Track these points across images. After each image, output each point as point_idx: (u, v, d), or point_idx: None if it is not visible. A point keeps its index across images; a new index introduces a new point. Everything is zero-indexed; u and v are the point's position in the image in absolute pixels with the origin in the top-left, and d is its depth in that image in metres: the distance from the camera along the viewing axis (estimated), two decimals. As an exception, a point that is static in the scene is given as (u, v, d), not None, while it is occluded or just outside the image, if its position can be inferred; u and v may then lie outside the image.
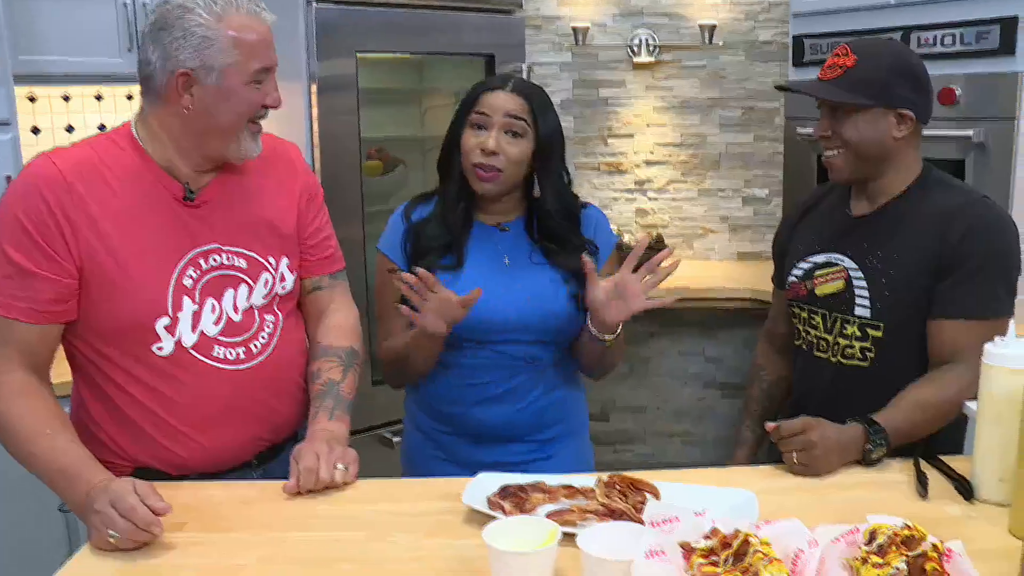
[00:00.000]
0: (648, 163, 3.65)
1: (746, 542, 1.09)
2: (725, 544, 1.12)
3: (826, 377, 1.75)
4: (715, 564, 1.10)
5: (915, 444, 1.57)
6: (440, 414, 1.84)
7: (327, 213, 1.79)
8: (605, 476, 1.42)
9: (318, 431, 1.57)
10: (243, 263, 1.59)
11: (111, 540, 1.27)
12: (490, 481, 1.43)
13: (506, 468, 1.55)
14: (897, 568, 1.07)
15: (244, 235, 1.60)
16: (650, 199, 3.67)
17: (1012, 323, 1.37)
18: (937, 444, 1.58)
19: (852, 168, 1.66)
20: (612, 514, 1.31)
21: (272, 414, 1.63)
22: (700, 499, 1.37)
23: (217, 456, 1.57)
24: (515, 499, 1.35)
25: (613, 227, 3.54)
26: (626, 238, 3.50)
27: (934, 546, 1.11)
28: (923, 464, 1.54)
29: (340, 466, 1.49)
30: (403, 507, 1.44)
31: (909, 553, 1.08)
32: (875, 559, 1.09)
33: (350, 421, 1.64)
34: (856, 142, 1.63)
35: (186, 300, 1.53)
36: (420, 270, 1.60)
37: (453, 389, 1.80)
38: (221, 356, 1.56)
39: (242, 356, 1.58)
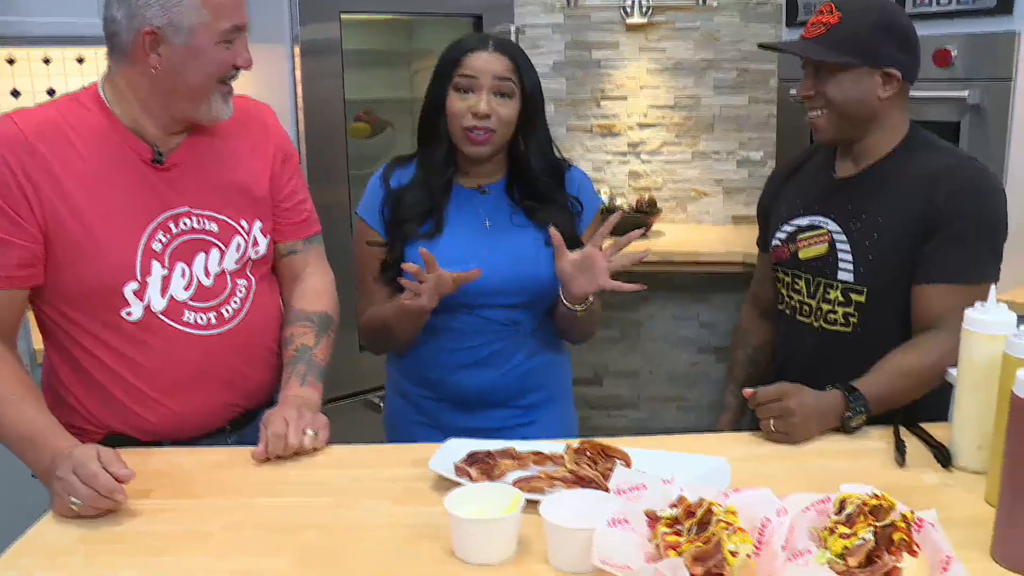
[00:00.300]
0: (641, 126, 3.59)
1: (709, 511, 1.06)
2: (689, 513, 1.09)
3: (809, 343, 1.71)
4: (679, 534, 1.08)
5: (896, 411, 1.54)
6: (422, 379, 1.81)
7: (303, 176, 1.74)
8: (576, 442, 1.39)
9: (289, 397, 1.54)
10: (214, 227, 1.55)
11: (73, 507, 1.25)
12: (459, 447, 1.40)
13: (488, 434, 1.53)
14: (864, 538, 1.04)
15: (215, 198, 1.56)
16: (643, 162, 3.61)
17: (993, 288, 1.32)
18: (920, 411, 1.54)
19: (836, 129, 1.61)
20: (580, 481, 1.29)
21: (245, 380, 1.60)
22: (672, 466, 1.34)
23: (188, 422, 1.54)
24: (482, 465, 1.33)
25: (606, 190, 3.51)
26: (619, 201, 3.45)
27: (903, 516, 1.08)
28: (903, 431, 1.50)
29: (310, 432, 1.46)
30: (373, 473, 1.41)
31: (877, 523, 1.05)
32: (842, 529, 1.07)
33: (323, 387, 1.61)
34: (840, 102, 1.58)
35: (155, 265, 1.49)
36: (422, 250, 1.57)
37: (434, 354, 1.77)
38: (191, 321, 1.52)
39: (213, 321, 1.55)
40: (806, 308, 1.71)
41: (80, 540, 1.23)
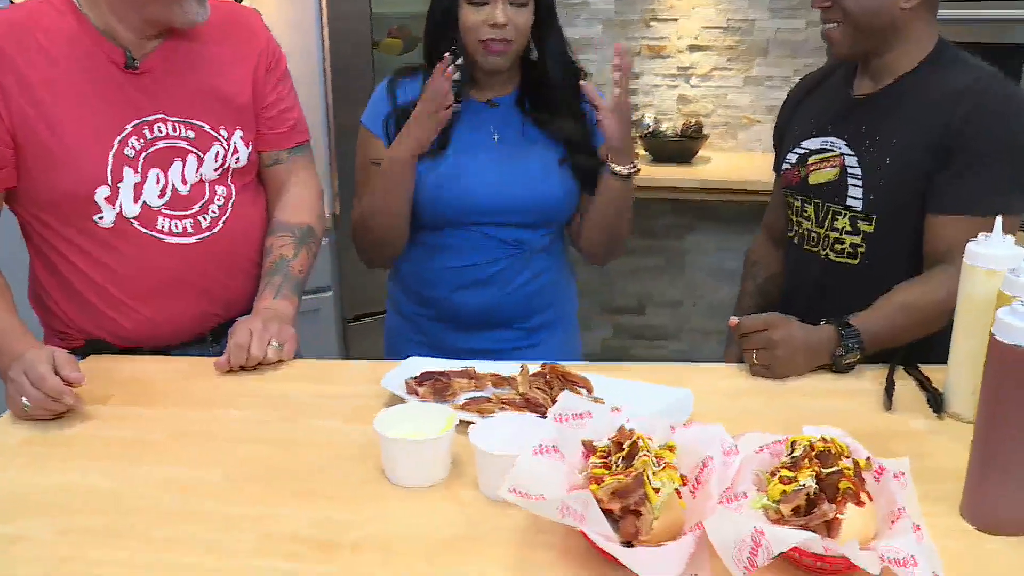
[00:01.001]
0: (692, 48, 3.37)
1: (636, 444, 0.97)
2: (618, 445, 1.00)
3: (814, 273, 1.57)
4: (608, 466, 0.98)
5: (896, 351, 1.40)
6: (422, 298, 1.74)
7: (291, 84, 1.66)
8: (537, 366, 1.30)
9: (260, 308, 1.49)
10: (191, 134, 1.49)
11: (24, 409, 1.23)
12: (419, 365, 1.33)
13: (489, 355, 1.46)
14: (804, 484, 0.92)
15: (192, 105, 1.49)
16: (693, 86, 3.41)
17: (999, 220, 1.16)
18: (926, 352, 1.40)
19: (852, 42, 1.44)
20: (529, 405, 1.20)
21: (225, 290, 1.55)
22: (634, 396, 1.25)
23: (164, 329, 1.51)
24: (434, 384, 1.25)
25: (652, 114, 3.34)
26: (664, 126, 3.27)
27: (855, 463, 0.96)
28: (900, 373, 1.37)
29: (274, 343, 1.41)
30: (333, 389, 1.36)
31: (822, 469, 0.94)
32: (785, 473, 0.96)
33: (299, 300, 1.55)
34: (856, 13, 1.40)
35: (127, 171, 1.44)
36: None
37: (436, 272, 1.69)
38: (166, 229, 1.48)
39: (189, 229, 1.49)
40: (813, 236, 1.56)
41: (24, 441, 1.21)
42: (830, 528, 0.92)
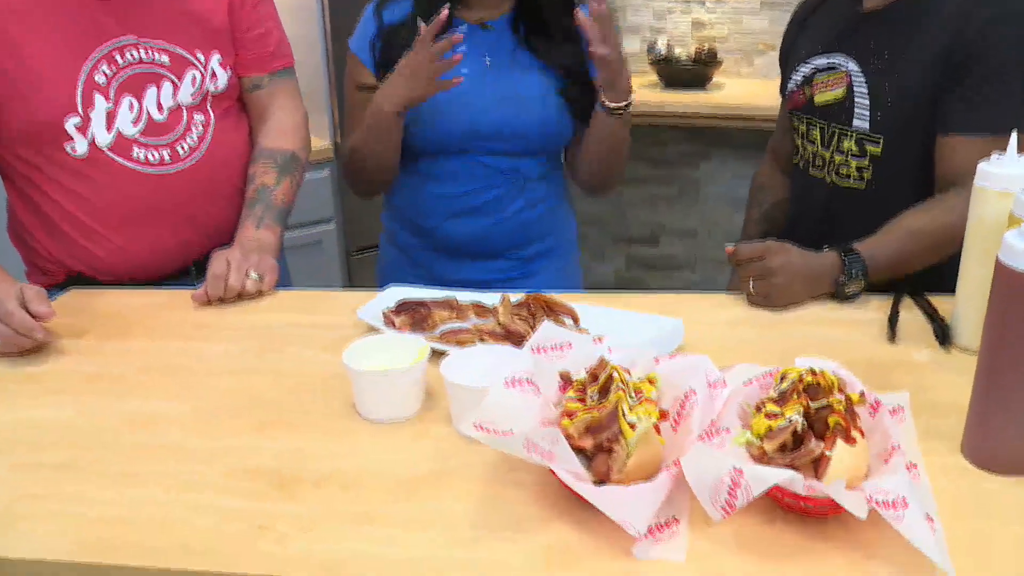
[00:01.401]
0: (708, -31, 3.21)
1: (610, 377, 0.90)
2: (593, 377, 0.93)
3: (819, 199, 1.47)
4: (584, 400, 0.92)
5: (903, 279, 1.31)
6: (415, 227, 1.66)
7: (271, 6, 1.57)
8: (521, 295, 1.23)
9: (240, 239, 1.43)
10: (165, 59, 1.41)
11: None
12: (398, 295, 1.26)
13: (484, 286, 1.41)
14: (790, 419, 0.85)
15: (166, 28, 1.41)
16: (708, 10, 3.24)
17: (1014, 136, 1.06)
18: (935, 281, 1.30)
19: (861, -54, 1.32)
20: (509, 336, 1.13)
21: (206, 219, 1.49)
22: (621, 326, 1.18)
23: (139, 259, 1.45)
24: (413, 315, 1.19)
25: (665, 40, 3.19)
26: (677, 51, 3.13)
27: (847, 397, 0.89)
28: (906, 303, 1.28)
29: (253, 274, 1.35)
30: (313, 319, 1.30)
31: (811, 404, 0.87)
32: (771, 407, 0.88)
33: (282, 230, 1.49)
34: None
35: (98, 98, 1.36)
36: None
37: (428, 200, 1.61)
38: (141, 158, 1.41)
39: (167, 159, 1.42)
40: (819, 160, 1.46)
41: (-8, 375, 1.17)
42: (817, 467, 0.85)
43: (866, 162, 1.38)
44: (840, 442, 0.84)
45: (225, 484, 0.93)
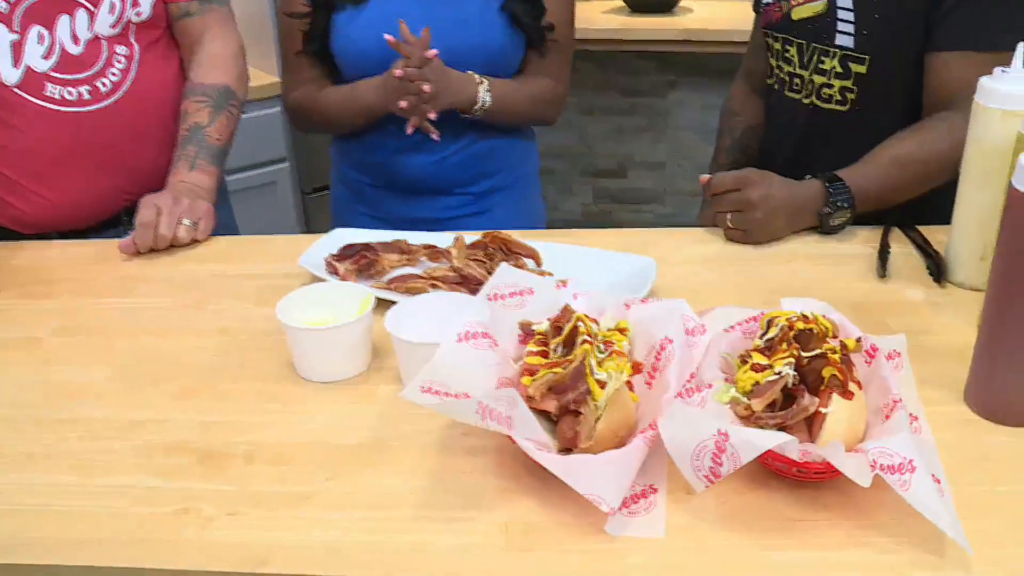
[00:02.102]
0: None
1: (576, 327, 0.78)
2: (557, 328, 0.81)
3: (798, 124, 1.34)
4: (546, 354, 0.80)
5: (892, 210, 1.19)
6: (362, 164, 1.53)
7: (198, -81, 1.38)
8: (476, 235, 1.10)
9: (172, 183, 1.27)
10: (76, -20, 1.24)
11: None
12: (343, 239, 1.12)
13: (436, 224, 1.28)
14: (780, 373, 0.74)
15: (75, -56, 1.23)
16: (675, -72, 3.05)
17: (1021, 48, 0.93)
18: (926, 212, 1.19)
19: None
20: (464, 282, 1.01)
21: (135, 162, 1.33)
22: (589, 266, 1.05)
23: (68, 210, 1.30)
24: (359, 260, 1.05)
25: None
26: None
27: (843, 345, 0.78)
28: (896, 235, 1.17)
29: (186, 221, 1.21)
30: (250, 269, 1.16)
31: (803, 353, 0.75)
32: (758, 358, 0.77)
33: (219, 171, 1.33)
34: None
35: (0, 28, 1.19)
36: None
37: (373, 135, 1.47)
38: (57, 96, 1.24)
39: (86, 96, 1.26)
40: (797, 82, 1.33)
41: None
42: (811, 426, 0.74)
43: (850, 83, 1.25)
44: (836, 397, 0.73)
45: (144, 462, 0.80)
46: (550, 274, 1.03)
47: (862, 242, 1.17)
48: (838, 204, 1.14)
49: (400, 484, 0.76)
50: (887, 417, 0.74)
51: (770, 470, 0.74)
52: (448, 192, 1.50)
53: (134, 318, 1.05)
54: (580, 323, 0.77)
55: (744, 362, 0.78)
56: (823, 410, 0.72)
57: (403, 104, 1.30)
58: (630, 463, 0.71)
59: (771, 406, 0.74)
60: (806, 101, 1.31)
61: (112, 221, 1.35)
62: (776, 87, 1.37)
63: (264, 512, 0.73)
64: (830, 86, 1.27)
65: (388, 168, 1.49)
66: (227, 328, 1.01)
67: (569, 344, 0.78)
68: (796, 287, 1.05)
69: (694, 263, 1.14)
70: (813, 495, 0.72)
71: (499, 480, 0.75)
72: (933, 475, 0.70)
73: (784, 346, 0.76)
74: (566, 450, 0.74)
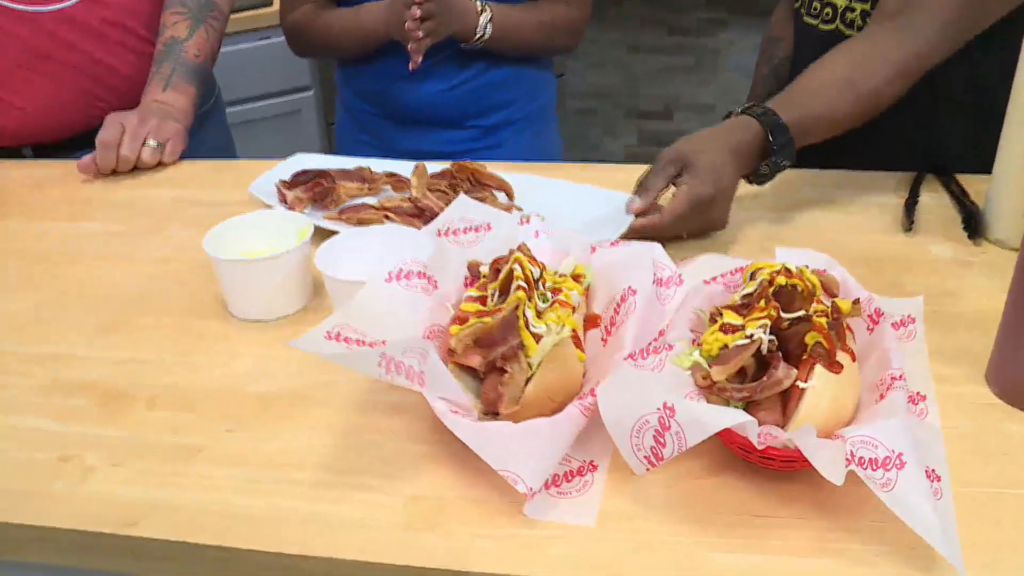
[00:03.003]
0: None
1: (511, 274, 0.64)
2: (495, 271, 0.68)
3: (822, 51, 1.16)
4: (484, 301, 0.67)
5: (928, 157, 1.01)
6: (363, 91, 1.39)
7: None
8: (442, 164, 0.96)
9: (144, 102, 1.16)
10: None
11: None
12: (301, 164, 1.00)
13: (442, 159, 1.13)
14: (752, 336, 0.60)
15: None
16: None
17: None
18: (972, 158, 1.00)
19: None
20: (420, 214, 0.88)
21: (108, 71, 1.21)
22: (570, 201, 0.91)
23: (39, 118, 1.19)
24: (312, 188, 0.93)
25: None
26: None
27: (836, 307, 0.63)
28: (931, 184, 1.00)
29: (151, 142, 1.10)
30: (207, 195, 1.05)
31: (784, 314, 0.60)
32: (730, 317, 0.63)
33: (196, 90, 1.21)
34: None
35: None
36: None
37: (375, 62, 1.34)
38: (13, -4, 1.13)
39: None
40: (816, 5, 1.14)
41: None
42: (787, 402, 0.60)
43: (868, 5, 1.06)
44: (820, 370, 0.58)
45: (41, 401, 0.71)
46: (518, 208, 0.89)
47: (891, 190, 1.00)
48: (779, 164, 0.93)
49: (305, 442, 0.64)
50: (882, 397, 0.60)
51: (727, 444, 0.61)
52: (456, 124, 1.36)
53: (78, 244, 0.95)
54: (517, 266, 0.64)
55: (714, 321, 0.64)
56: (801, 384, 0.58)
57: (411, 26, 1.15)
58: (559, 435, 0.58)
59: (740, 375, 0.60)
60: (830, 26, 1.13)
61: (90, 137, 1.24)
62: (802, 11, 1.19)
63: (148, 465, 0.63)
64: (852, 9, 1.08)
65: (392, 97, 1.35)
66: (167, 258, 0.91)
67: (506, 291, 0.65)
68: (803, 236, 0.90)
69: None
70: (783, 487, 0.59)
71: (415, 444, 0.64)
72: (929, 471, 0.56)
73: (762, 304, 0.62)
74: (492, 415, 0.61)
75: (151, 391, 0.71)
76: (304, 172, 0.94)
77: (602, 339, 0.68)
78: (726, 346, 0.60)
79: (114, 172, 1.09)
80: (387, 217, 0.87)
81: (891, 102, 0.93)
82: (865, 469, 0.52)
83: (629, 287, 0.68)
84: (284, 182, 0.93)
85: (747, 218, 0.94)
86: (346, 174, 0.94)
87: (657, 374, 0.60)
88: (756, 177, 0.91)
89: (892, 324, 0.68)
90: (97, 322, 0.80)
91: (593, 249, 0.74)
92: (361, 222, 0.86)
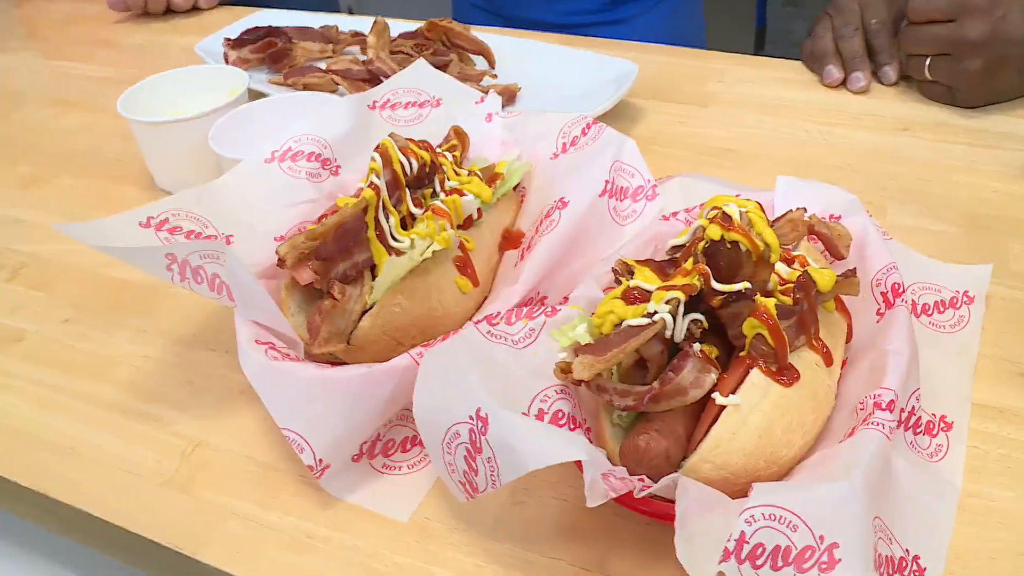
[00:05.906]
0: None
1: (434, 164, 0.45)
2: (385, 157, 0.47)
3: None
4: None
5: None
6: None
7: None
8: (419, 24, 0.74)
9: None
10: None
11: None
12: (265, 20, 0.82)
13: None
14: (652, 315, 0.36)
15: None
16: None
17: None
18: None
19: None
20: (372, 79, 0.68)
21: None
22: (561, 71, 0.69)
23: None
24: (264, 48, 0.74)
25: None
26: None
27: (808, 278, 0.38)
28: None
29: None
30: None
31: (717, 285, 0.37)
32: (644, 277, 0.39)
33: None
34: None
35: None
36: None
37: None
38: None
39: None
40: None
41: None
42: (700, 422, 0.37)
43: None
44: (757, 378, 0.35)
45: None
46: (493, 77, 0.67)
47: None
48: None
49: (121, 351, 0.50)
50: (851, 433, 0.36)
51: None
52: None
53: (55, 87, 0.84)
54: (376, 156, 0.44)
55: (619, 282, 0.40)
56: (718, 399, 0.35)
57: None
58: (376, 391, 0.39)
59: (640, 369, 0.37)
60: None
61: None
62: None
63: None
64: None
65: None
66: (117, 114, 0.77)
67: (424, 180, 0.45)
68: (880, 171, 0.62)
69: (739, 104, 0.71)
70: (663, 531, 0.37)
71: (236, 375, 0.47)
72: (898, 563, 0.32)
73: (688, 265, 0.38)
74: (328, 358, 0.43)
75: (23, 259, 0.59)
76: (256, 29, 0.75)
77: (515, 264, 0.47)
78: (618, 325, 0.37)
79: (146, 14, 0.96)
80: (335, 81, 0.67)
81: None
82: (762, 566, 0.30)
83: (561, 198, 0.46)
84: (229, 40, 0.75)
85: (809, 134, 0.66)
86: (307, 34, 0.75)
87: (515, 351, 0.39)
88: None
89: (932, 305, 0.42)
90: (27, 173, 0.69)
91: (557, 155, 0.51)
92: (308, 87, 0.68)
